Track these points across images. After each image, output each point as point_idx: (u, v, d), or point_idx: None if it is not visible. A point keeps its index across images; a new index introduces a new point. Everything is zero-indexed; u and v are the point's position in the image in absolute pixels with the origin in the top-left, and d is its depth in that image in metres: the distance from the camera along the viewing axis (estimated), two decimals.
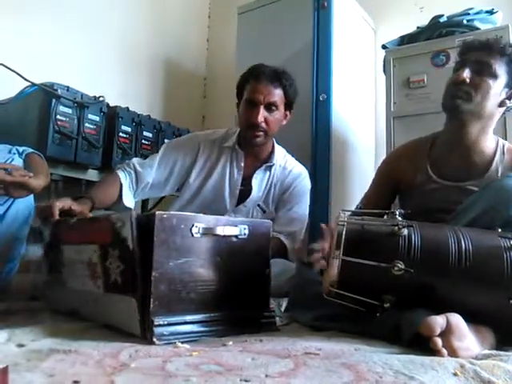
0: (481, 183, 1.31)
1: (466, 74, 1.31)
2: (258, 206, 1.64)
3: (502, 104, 1.35)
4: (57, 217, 1.20)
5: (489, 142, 1.39)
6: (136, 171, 1.59)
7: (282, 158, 1.73)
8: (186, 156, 1.65)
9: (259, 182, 1.66)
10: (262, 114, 1.55)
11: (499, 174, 1.34)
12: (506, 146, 1.41)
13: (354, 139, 2.41)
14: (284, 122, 1.68)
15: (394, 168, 1.53)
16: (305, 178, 1.72)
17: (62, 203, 1.23)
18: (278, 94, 1.58)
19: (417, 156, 1.48)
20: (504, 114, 1.42)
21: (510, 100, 1.36)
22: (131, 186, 1.58)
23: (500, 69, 1.32)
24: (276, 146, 1.72)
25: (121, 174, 1.56)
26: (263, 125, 1.57)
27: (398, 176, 1.51)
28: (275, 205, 1.67)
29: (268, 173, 1.68)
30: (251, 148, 1.65)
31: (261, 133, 1.58)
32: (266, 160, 1.68)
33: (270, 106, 1.57)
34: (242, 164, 1.65)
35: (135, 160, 1.63)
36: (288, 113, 1.67)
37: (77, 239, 1.12)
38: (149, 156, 1.73)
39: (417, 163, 1.47)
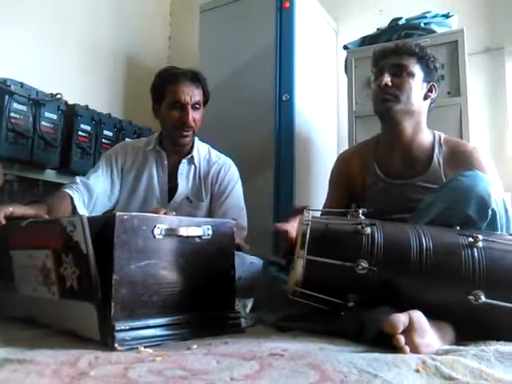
0: (427, 177, 1.40)
1: (387, 78, 1.41)
2: (187, 198, 1.70)
3: (425, 97, 1.47)
4: (3, 222, 1.14)
5: (425, 135, 1.47)
6: (84, 183, 1.60)
7: (205, 151, 1.78)
8: (118, 162, 1.71)
9: (185, 177, 1.71)
10: (191, 114, 1.62)
11: (441, 166, 1.41)
12: (442, 137, 1.48)
13: (316, 138, 2.44)
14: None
15: (345, 172, 1.58)
16: (230, 168, 1.77)
17: (11, 209, 1.18)
18: (199, 94, 1.66)
19: (364, 158, 1.54)
20: (431, 105, 1.50)
21: (431, 92, 1.48)
22: (81, 199, 1.58)
23: (414, 67, 1.44)
24: (199, 141, 1.78)
25: (69, 191, 1.56)
26: (192, 124, 1.64)
27: (350, 179, 1.56)
28: (210, 198, 1.73)
29: (193, 166, 1.73)
30: (178, 147, 1.70)
31: (190, 132, 1.65)
32: (187, 154, 1.73)
33: (195, 106, 1.64)
34: (166, 163, 1.72)
35: (78, 177, 1.65)
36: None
37: (27, 244, 1.07)
38: None
39: (365, 165, 1.52)
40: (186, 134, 1.64)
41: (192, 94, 1.63)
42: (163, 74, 1.69)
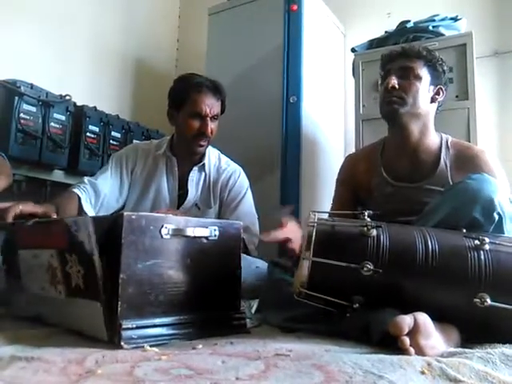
0: (434, 180, 1.39)
1: (394, 80, 1.41)
2: (196, 205, 1.70)
3: (433, 100, 1.47)
4: (10, 220, 1.16)
5: (432, 137, 1.46)
6: (91, 184, 1.61)
7: (215, 158, 1.79)
8: (128, 164, 1.72)
9: (195, 184, 1.72)
10: (210, 125, 1.63)
11: (448, 169, 1.40)
12: (449, 140, 1.47)
13: (323, 141, 2.44)
14: None
15: (351, 174, 1.59)
16: (240, 176, 1.77)
17: (21, 207, 1.21)
18: (219, 106, 1.68)
19: (370, 161, 1.54)
20: (438, 108, 1.50)
21: (438, 95, 1.47)
22: (88, 199, 1.59)
23: (421, 70, 1.44)
24: (210, 147, 1.77)
25: (77, 191, 1.57)
26: (210, 135, 1.65)
27: (356, 181, 1.56)
28: (219, 209, 1.73)
29: (203, 173, 1.74)
30: (192, 155, 1.71)
31: (206, 142, 1.67)
32: (198, 161, 1.73)
33: (213, 117, 1.66)
34: (176, 169, 1.72)
35: (86, 177, 1.66)
36: None
37: (33, 243, 1.07)
38: None
39: (371, 168, 1.52)
40: (202, 143, 1.66)
41: (213, 106, 1.64)
42: (186, 80, 1.68)
